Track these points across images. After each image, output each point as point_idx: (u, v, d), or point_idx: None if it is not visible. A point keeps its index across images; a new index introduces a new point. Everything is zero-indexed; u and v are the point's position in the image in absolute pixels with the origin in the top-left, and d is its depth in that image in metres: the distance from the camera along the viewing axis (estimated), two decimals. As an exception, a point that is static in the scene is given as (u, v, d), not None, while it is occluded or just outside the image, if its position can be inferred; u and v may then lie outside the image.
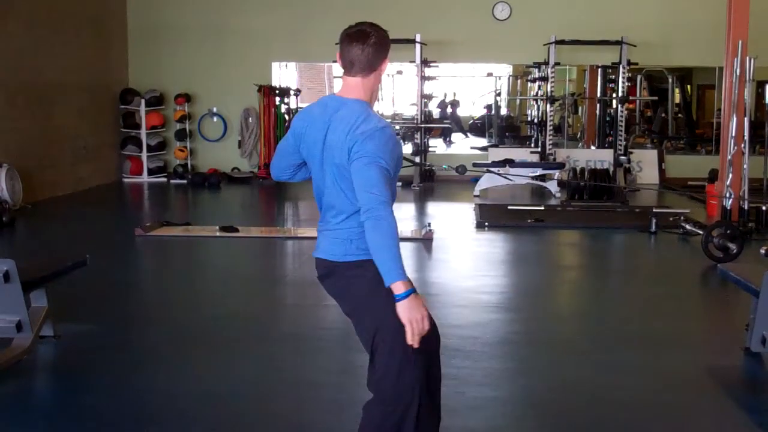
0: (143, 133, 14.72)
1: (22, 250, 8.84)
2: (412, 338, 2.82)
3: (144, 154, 14.72)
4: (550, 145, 14.15)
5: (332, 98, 3.07)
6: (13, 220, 9.81)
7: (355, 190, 2.87)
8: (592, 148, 15.23)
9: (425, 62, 14.46)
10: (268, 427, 4.09)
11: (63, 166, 12.72)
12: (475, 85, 21.79)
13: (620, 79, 13.95)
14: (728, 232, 7.96)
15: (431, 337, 3.19)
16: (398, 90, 16.91)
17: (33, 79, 11.93)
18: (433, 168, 14.52)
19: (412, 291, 2.80)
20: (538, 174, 12.98)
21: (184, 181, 14.50)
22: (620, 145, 13.79)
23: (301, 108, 15.24)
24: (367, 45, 2.95)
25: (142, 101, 14.68)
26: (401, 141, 2.71)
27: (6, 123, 11.21)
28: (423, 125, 14.69)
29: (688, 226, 9.20)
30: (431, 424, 3.16)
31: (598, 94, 14.98)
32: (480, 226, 9.96)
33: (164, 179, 14.82)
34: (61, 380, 4.83)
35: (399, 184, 13.49)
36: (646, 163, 14.76)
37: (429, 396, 3.11)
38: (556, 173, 13.09)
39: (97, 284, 6.79)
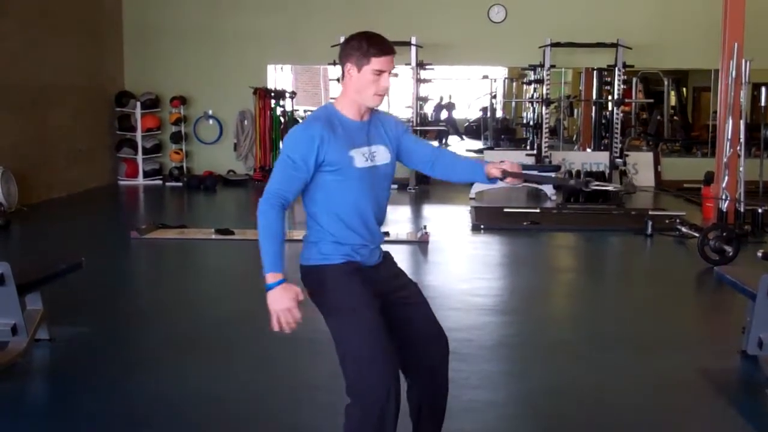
0: (139, 135, 14.70)
1: (17, 252, 8.81)
2: (277, 326, 2.97)
3: (139, 157, 14.71)
4: (545, 147, 14.16)
5: None
6: (9, 223, 9.79)
7: None
8: (588, 150, 15.23)
9: (421, 65, 14.48)
10: (262, 429, 4.09)
11: (58, 168, 12.69)
12: (471, 88, 21.80)
13: (616, 82, 13.97)
14: (724, 234, 7.97)
15: (431, 349, 3.18)
16: (394, 92, 16.92)
17: (28, 82, 11.90)
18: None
19: (278, 283, 2.92)
20: (534, 176, 12.95)
21: (180, 184, 14.48)
22: (616, 147, 13.80)
23: (296, 110, 15.29)
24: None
25: (138, 104, 14.66)
26: (312, 132, 2.78)
27: (1, 125, 11.18)
28: (418, 127, 14.71)
29: (684, 229, 9.20)
30: (432, 429, 3.21)
31: (594, 97, 14.99)
32: (476, 228, 9.95)
33: (160, 182, 14.80)
34: (57, 383, 4.81)
35: (395, 186, 13.64)
36: (641, 166, 14.77)
37: (432, 399, 3.20)
38: (552, 176, 13.07)
39: (92, 287, 6.77)
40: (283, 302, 2.93)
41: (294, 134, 3.03)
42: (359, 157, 3.03)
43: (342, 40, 3.15)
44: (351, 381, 2.98)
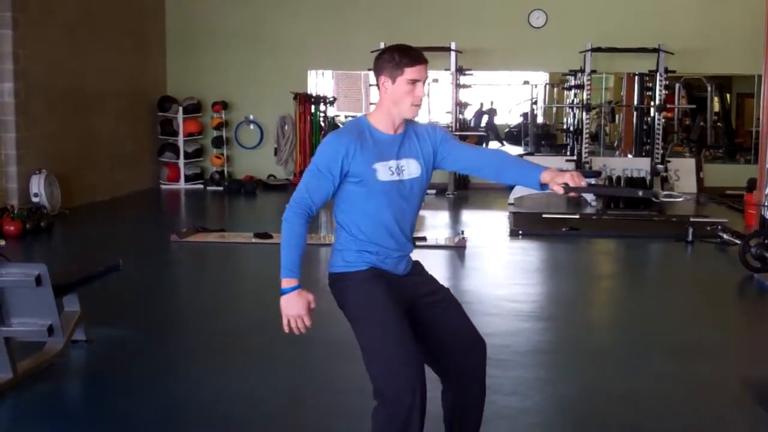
0: (180, 140, 14.84)
1: (58, 254, 8.95)
2: (287, 330, 3.05)
3: (181, 161, 14.84)
4: (586, 153, 14.06)
5: None
6: (51, 225, 9.94)
7: None
8: (629, 156, 15.07)
9: (460, 70, 14.45)
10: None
11: (101, 172, 12.85)
12: (512, 93, 21.72)
13: (657, 87, 13.83)
14: (766, 242, 7.84)
15: (466, 352, 3.15)
16: (434, 98, 16.90)
17: (72, 86, 12.07)
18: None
19: (292, 289, 3.01)
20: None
21: (221, 188, 14.59)
22: (657, 153, 13.65)
23: (336, 116, 15.36)
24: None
25: (180, 108, 14.80)
26: (339, 141, 2.84)
27: (45, 129, 11.35)
28: (458, 133, 14.68)
29: (725, 236, 9.08)
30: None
31: (636, 102, 14.85)
32: (514, 234, 9.90)
33: (201, 186, 14.94)
34: (92, 384, 4.87)
35: (433, 192, 13.65)
36: (683, 172, 14.58)
37: (469, 403, 3.18)
38: (592, 182, 12.98)
39: (131, 289, 6.84)
40: (295, 308, 3.03)
41: (323, 144, 3.10)
42: (384, 171, 3.06)
43: (382, 46, 3.18)
44: (377, 384, 2.99)
